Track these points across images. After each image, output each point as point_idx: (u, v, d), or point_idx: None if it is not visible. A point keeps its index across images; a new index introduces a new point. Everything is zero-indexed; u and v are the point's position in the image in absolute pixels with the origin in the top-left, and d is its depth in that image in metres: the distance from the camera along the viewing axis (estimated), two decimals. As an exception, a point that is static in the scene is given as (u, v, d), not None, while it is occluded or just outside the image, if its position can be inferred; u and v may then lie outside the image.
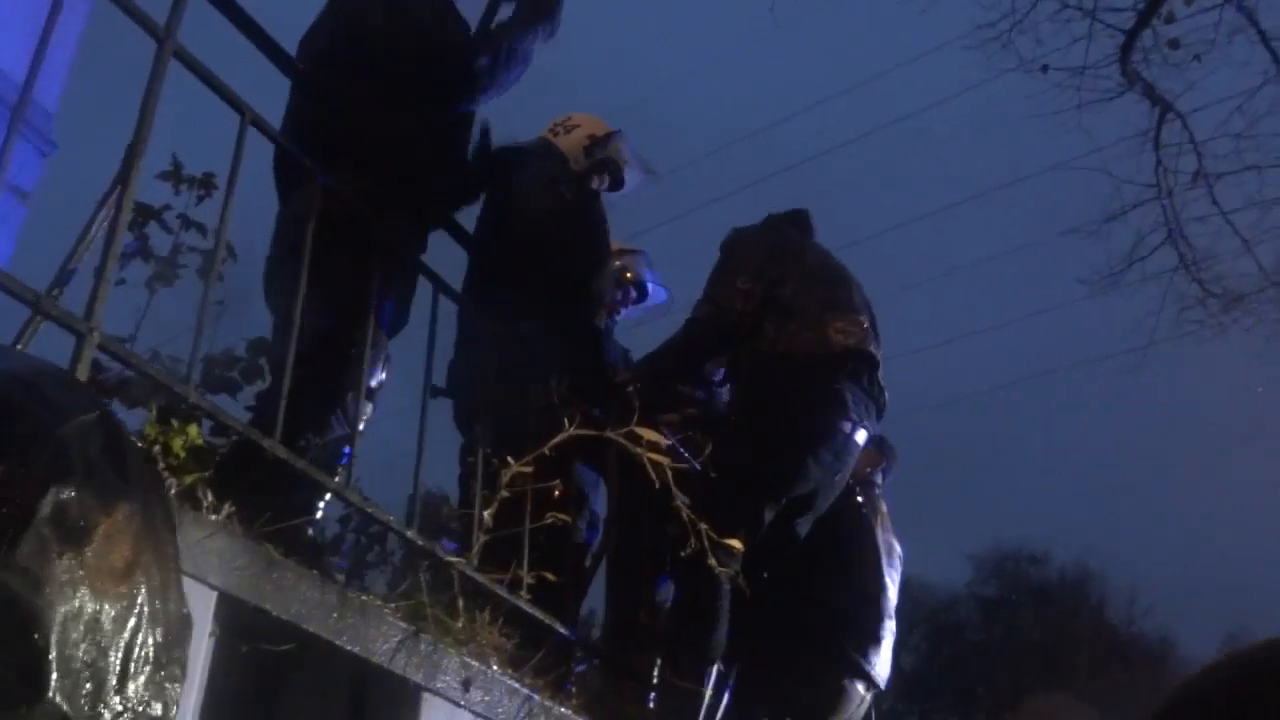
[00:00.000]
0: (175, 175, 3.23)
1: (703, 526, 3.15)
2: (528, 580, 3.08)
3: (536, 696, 2.82)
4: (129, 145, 2.29)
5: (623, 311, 4.54)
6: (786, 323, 3.76)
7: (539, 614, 3.11)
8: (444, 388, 3.72)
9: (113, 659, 1.45)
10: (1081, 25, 8.17)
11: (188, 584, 1.74)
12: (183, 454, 2.38)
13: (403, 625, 2.45)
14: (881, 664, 4.07)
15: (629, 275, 4.50)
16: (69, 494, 1.44)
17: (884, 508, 4.32)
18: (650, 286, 4.60)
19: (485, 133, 3.89)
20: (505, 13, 3.61)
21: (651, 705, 3.53)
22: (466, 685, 2.59)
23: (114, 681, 1.45)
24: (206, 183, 3.24)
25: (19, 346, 2.04)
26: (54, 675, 1.36)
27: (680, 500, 3.16)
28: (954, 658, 31.33)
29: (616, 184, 4.28)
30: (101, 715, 1.42)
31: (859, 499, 4.17)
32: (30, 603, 1.36)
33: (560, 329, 3.68)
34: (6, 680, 1.33)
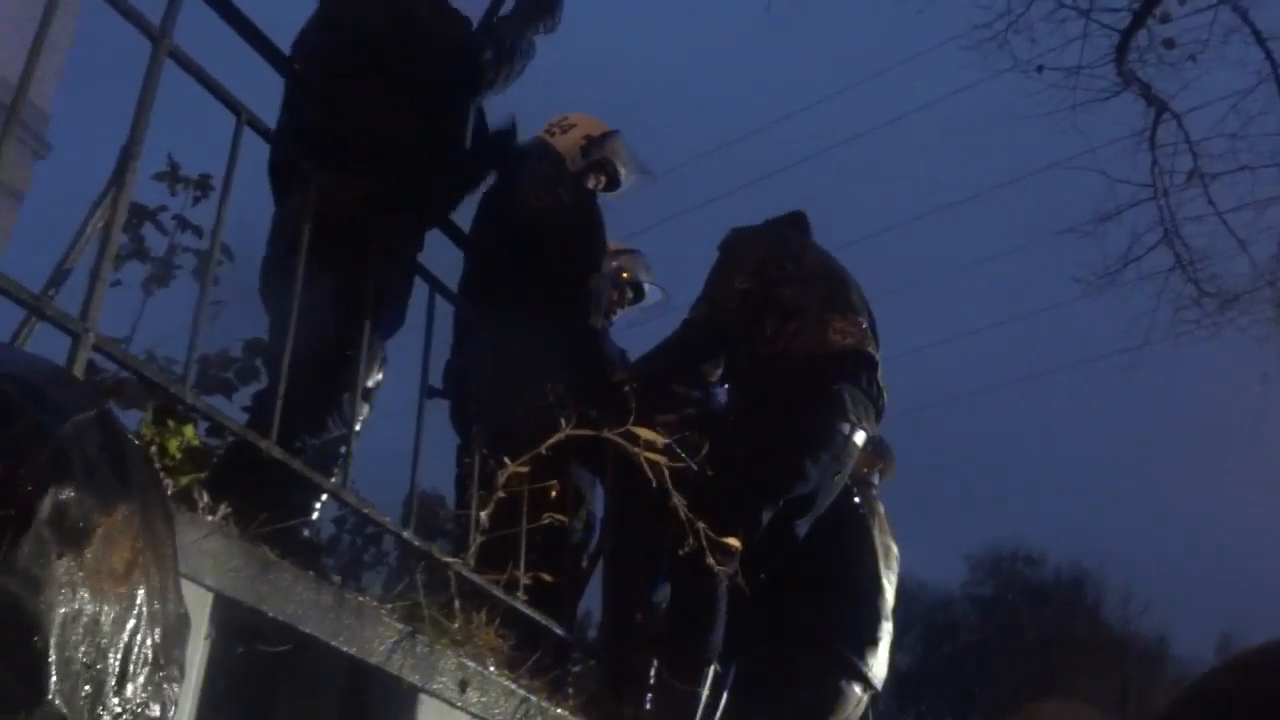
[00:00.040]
0: (171, 176, 3.23)
1: (700, 525, 3.14)
2: (524, 581, 3.07)
3: (533, 697, 2.82)
4: (124, 146, 2.29)
5: (619, 312, 4.53)
6: (785, 323, 3.75)
7: (536, 615, 3.11)
8: (441, 388, 3.72)
9: (112, 660, 1.45)
10: (1077, 25, 8.19)
11: (183, 585, 1.73)
12: (178, 455, 2.38)
13: (399, 626, 2.45)
14: (879, 665, 4.07)
15: (626, 275, 4.50)
16: (68, 495, 1.44)
17: (881, 509, 4.32)
18: (647, 287, 4.59)
19: (512, 129, 3.89)
20: (506, 7, 3.62)
21: (648, 706, 3.53)
22: (463, 686, 2.59)
23: (113, 683, 1.45)
24: (203, 184, 3.23)
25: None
26: (53, 678, 1.36)
27: (677, 500, 3.16)
28: (950, 658, 31.34)
29: (613, 184, 4.28)
30: (101, 717, 1.42)
31: (856, 500, 4.17)
32: (30, 605, 1.36)
33: (557, 329, 3.67)
34: (6, 683, 1.33)
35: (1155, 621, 31.05)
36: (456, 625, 2.74)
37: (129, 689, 1.47)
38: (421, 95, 3.31)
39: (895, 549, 4.29)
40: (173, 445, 2.36)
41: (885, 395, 3.85)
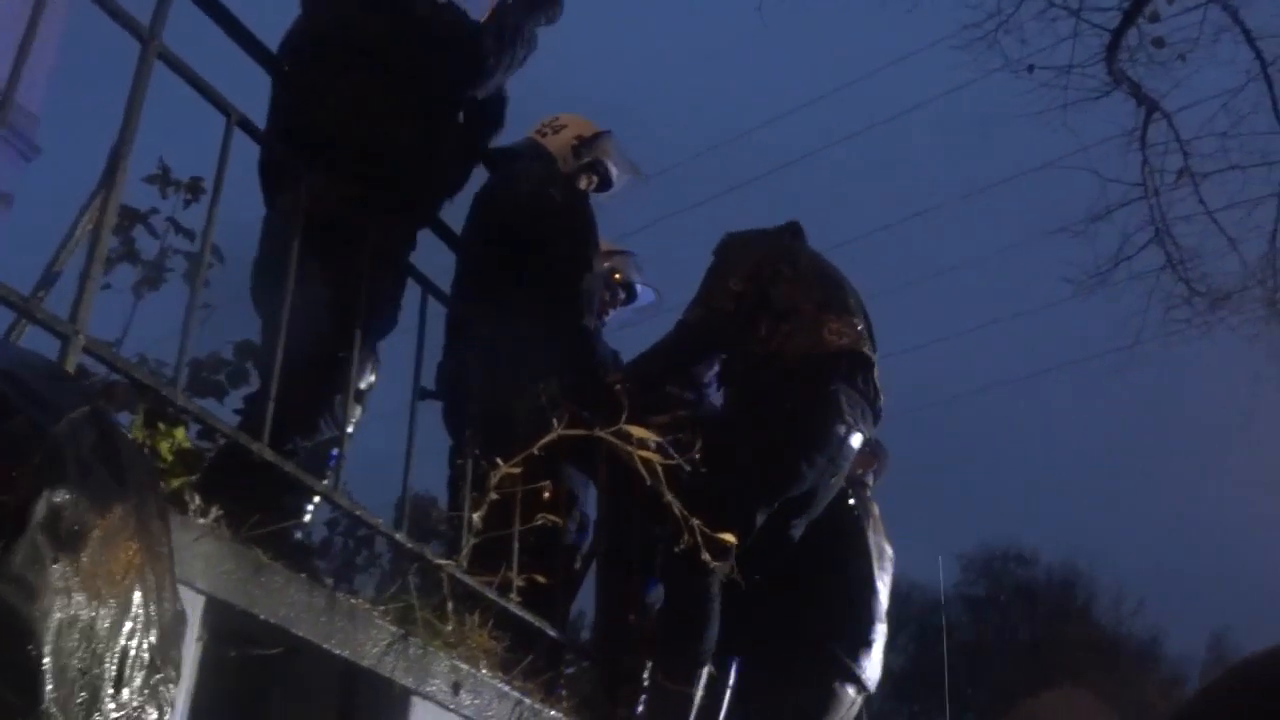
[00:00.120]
0: (162, 179, 3.22)
1: (695, 522, 3.14)
2: (518, 583, 3.07)
3: (527, 699, 2.81)
4: (113, 147, 2.28)
5: (611, 313, 4.53)
6: (780, 324, 3.75)
7: (529, 617, 3.10)
8: (433, 390, 3.71)
9: (108, 665, 1.44)
10: (1067, 24, 8.22)
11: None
12: (170, 457, 2.37)
13: (392, 629, 2.44)
14: (872, 667, 4.07)
15: (618, 276, 4.50)
16: (63, 497, 1.42)
17: (876, 510, 4.32)
18: (639, 288, 4.59)
19: (504, 99, 3.83)
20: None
21: (642, 708, 3.52)
22: (456, 688, 2.58)
23: (109, 688, 1.44)
24: (193, 187, 3.23)
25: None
26: (49, 686, 1.35)
27: (671, 499, 3.15)
28: (943, 658, 31.36)
29: (605, 185, 4.28)
30: (96, 723, 1.41)
31: (851, 501, 4.16)
32: (24, 612, 1.35)
33: (549, 330, 3.67)
34: (1, 692, 1.32)
35: (1147, 621, 31.15)
36: (449, 627, 2.73)
37: (125, 693, 1.46)
38: (416, 89, 3.30)
39: (889, 550, 4.28)
40: (164, 448, 2.36)
41: (882, 396, 3.85)
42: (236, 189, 2.70)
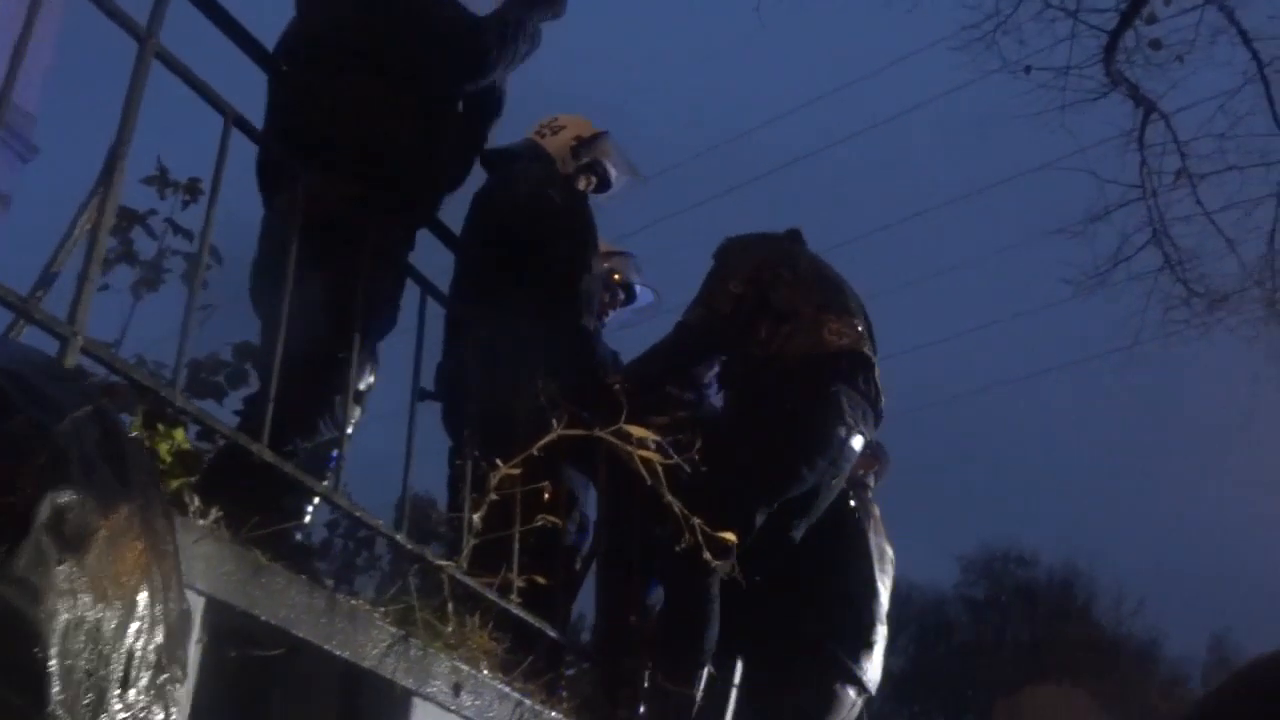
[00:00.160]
0: (161, 180, 3.21)
1: (696, 521, 3.13)
2: (518, 584, 3.06)
3: (527, 701, 2.81)
4: (111, 147, 2.27)
5: (611, 314, 4.53)
6: (780, 325, 3.75)
7: (529, 618, 3.09)
8: (432, 391, 3.70)
9: (114, 666, 1.43)
10: (1065, 26, 8.22)
11: (176, 589, 1.72)
12: (169, 459, 2.36)
13: (392, 630, 2.44)
14: (873, 668, 4.06)
15: (617, 277, 4.50)
16: (67, 498, 1.41)
17: (876, 511, 4.32)
18: (638, 289, 4.59)
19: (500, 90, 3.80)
20: None
21: (642, 709, 3.51)
22: (457, 690, 2.58)
23: (115, 690, 1.43)
24: (192, 188, 3.21)
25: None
26: (55, 688, 1.34)
27: (671, 499, 3.15)
28: (943, 659, 31.38)
29: (603, 185, 4.27)
30: (103, 724, 1.40)
31: (852, 503, 4.16)
32: (30, 615, 1.34)
33: (549, 331, 3.66)
34: (6, 696, 1.31)
35: (1147, 621, 31.18)
36: (450, 629, 2.72)
37: (131, 694, 1.46)
38: (414, 87, 3.29)
39: (890, 551, 4.28)
40: (163, 449, 2.35)
41: (883, 397, 3.85)
42: (235, 188, 2.69)
